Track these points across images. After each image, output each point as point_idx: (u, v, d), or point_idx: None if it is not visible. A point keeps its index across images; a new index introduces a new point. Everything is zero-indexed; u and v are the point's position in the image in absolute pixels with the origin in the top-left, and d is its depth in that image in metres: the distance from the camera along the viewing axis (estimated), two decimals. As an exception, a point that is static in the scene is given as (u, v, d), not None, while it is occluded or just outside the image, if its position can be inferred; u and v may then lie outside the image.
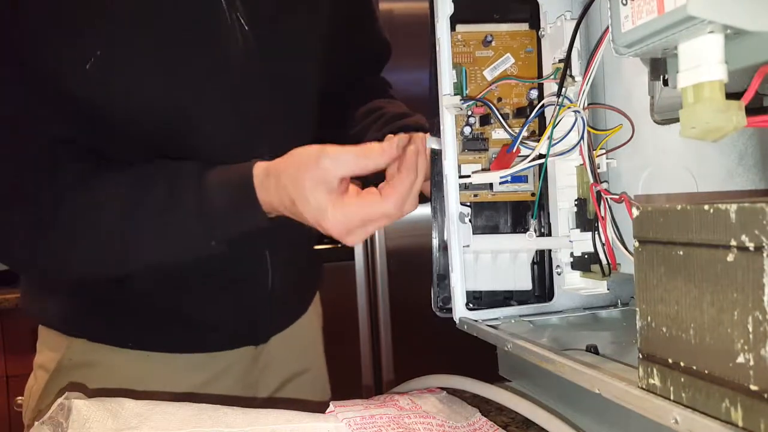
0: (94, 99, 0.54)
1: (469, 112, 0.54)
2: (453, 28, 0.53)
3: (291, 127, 0.65)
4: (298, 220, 0.52)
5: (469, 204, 0.56)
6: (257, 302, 0.69)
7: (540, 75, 0.56)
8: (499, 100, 0.56)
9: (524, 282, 0.56)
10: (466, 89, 0.55)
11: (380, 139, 0.70)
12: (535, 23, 0.56)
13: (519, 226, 0.58)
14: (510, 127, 0.54)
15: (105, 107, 0.55)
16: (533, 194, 0.56)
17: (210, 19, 0.56)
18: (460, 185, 0.54)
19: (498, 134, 0.55)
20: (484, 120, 0.55)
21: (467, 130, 0.55)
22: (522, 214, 0.58)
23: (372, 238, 1.69)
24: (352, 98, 0.77)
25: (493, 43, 0.56)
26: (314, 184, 0.49)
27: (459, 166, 0.54)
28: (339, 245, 0.98)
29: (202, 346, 0.67)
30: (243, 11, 0.58)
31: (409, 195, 0.50)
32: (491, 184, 0.56)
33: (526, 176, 0.55)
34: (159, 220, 0.54)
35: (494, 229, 0.58)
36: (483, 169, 0.55)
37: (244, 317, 0.69)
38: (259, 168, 0.53)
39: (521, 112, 0.56)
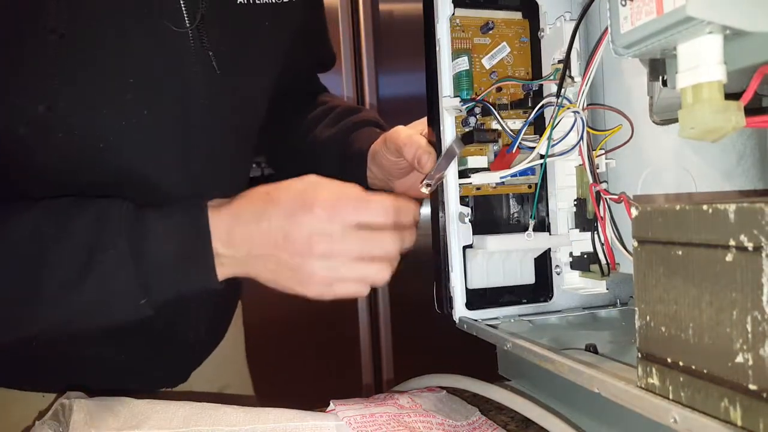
0: (25, 141, 0.46)
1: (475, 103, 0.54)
2: (452, 12, 0.53)
3: (237, 160, 0.61)
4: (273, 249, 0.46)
5: (467, 198, 0.56)
6: (177, 351, 0.64)
7: (535, 67, 0.57)
8: (499, 90, 0.56)
9: (528, 276, 0.56)
10: (472, 76, 0.54)
11: (334, 135, 0.69)
12: (527, 12, 0.56)
13: (523, 219, 0.58)
14: (508, 117, 0.53)
15: (36, 148, 0.47)
16: (530, 186, 0.57)
17: (174, 59, 0.51)
18: (461, 173, 0.54)
19: (497, 125, 0.54)
20: (486, 110, 0.54)
21: (472, 120, 0.54)
22: (525, 206, 0.58)
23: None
24: (298, 100, 0.76)
25: (492, 31, 0.56)
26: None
27: (462, 159, 0.54)
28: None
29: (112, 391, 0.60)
30: (211, 49, 0.52)
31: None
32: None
33: (534, 168, 0.55)
34: (78, 268, 0.44)
35: (497, 223, 0.58)
36: (484, 169, 0.55)
37: (162, 366, 0.63)
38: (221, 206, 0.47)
39: (519, 104, 0.56)
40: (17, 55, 0.44)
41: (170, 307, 0.48)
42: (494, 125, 0.55)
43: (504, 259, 0.55)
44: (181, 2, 0.49)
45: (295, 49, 0.63)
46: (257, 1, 0.56)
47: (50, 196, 0.47)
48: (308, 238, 0.46)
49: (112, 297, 0.45)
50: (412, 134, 0.58)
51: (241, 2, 0.55)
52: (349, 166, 0.68)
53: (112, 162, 0.50)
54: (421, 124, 0.59)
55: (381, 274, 0.48)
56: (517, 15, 0.57)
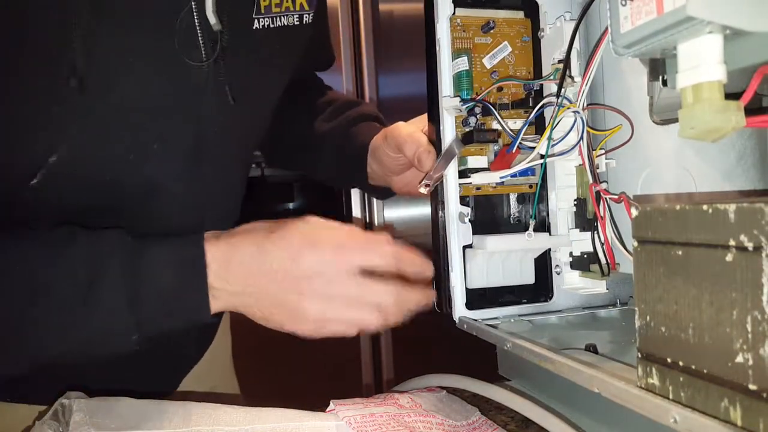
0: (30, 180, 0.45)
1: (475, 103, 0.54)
2: (452, 12, 0.53)
3: (240, 172, 0.61)
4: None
5: (467, 198, 0.56)
6: (170, 366, 0.64)
7: (536, 67, 0.56)
8: (500, 89, 0.56)
9: (528, 276, 0.57)
10: (471, 76, 0.54)
11: (333, 130, 0.69)
12: (529, 12, 0.57)
13: (523, 219, 0.58)
14: (509, 117, 0.53)
15: (41, 184, 0.46)
16: (530, 186, 0.56)
17: (189, 93, 0.51)
18: (460, 173, 0.54)
19: (497, 125, 0.54)
20: (486, 110, 0.54)
21: (472, 120, 0.54)
22: (526, 206, 0.58)
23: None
24: (296, 94, 0.76)
25: (493, 30, 0.55)
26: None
27: (462, 159, 0.54)
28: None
29: (112, 391, 0.56)
30: (227, 82, 0.52)
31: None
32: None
33: (534, 168, 0.55)
34: (71, 300, 0.43)
35: (497, 223, 0.58)
36: (484, 168, 0.55)
37: (153, 380, 0.62)
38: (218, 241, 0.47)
39: (520, 104, 0.56)
40: (35, 102, 0.44)
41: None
42: (494, 125, 0.55)
43: (504, 259, 0.55)
44: (200, 39, 0.49)
45: (301, 61, 0.64)
46: (271, 26, 0.56)
47: (47, 223, 0.46)
48: (309, 277, 0.46)
49: (105, 329, 0.44)
50: (412, 132, 0.58)
51: (256, 27, 0.54)
52: (349, 161, 0.68)
53: (114, 192, 0.50)
54: (422, 121, 0.59)
55: (371, 320, 0.48)
56: (519, 14, 0.57)
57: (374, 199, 1.61)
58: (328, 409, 0.49)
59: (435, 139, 0.54)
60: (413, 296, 0.49)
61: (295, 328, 0.48)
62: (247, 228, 0.49)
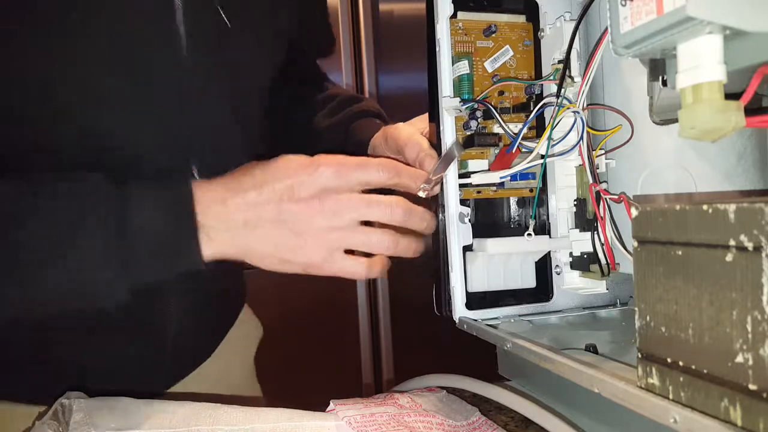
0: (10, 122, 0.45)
1: (476, 105, 0.54)
2: (454, 15, 0.53)
3: (243, 152, 0.59)
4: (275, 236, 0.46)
5: (468, 201, 0.56)
6: (153, 353, 0.59)
7: (538, 71, 0.56)
8: (501, 93, 0.56)
9: (529, 280, 0.56)
10: (473, 80, 0.54)
11: (334, 125, 0.69)
12: (531, 15, 0.56)
13: (523, 223, 0.58)
14: (510, 121, 0.53)
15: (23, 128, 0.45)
16: (531, 190, 0.57)
17: (160, 31, 0.49)
18: (460, 175, 0.54)
19: (498, 128, 0.54)
20: (487, 114, 0.54)
21: (473, 124, 0.54)
22: (526, 210, 0.58)
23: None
24: (297, 86, 0.76)
25: (495, 34, 0.55)
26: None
27: (463, 163, 0.54)
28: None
29: (112, 391, 0.53)
30: (195, 26, 0.50)
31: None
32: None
33: (534, 173, 0.55)
34: (55, 242, 0.41)
35: (498, 227, 0.58)
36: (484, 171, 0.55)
37: (134, 369, 0.59)
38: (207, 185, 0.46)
39: (521, 108, 0.55)
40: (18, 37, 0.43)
41: (150, 305, 0.47)
42: (496, 129, 0.55)
43: (504, 263, 0.55)
44: None
45: (297, 28, 0.63)
46: None
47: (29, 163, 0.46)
48: (316, 193, 0.46)
49: (88, 274, 0.43)
50: (413, 133, 0.57)
51: None
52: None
53: (93, 137, 0.48)
54: (421, 122, 0.59)
55: (384, 238, 0.48)
56: (521, 18, 0.57)
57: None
58: (328, 409, 0.49)
59: (436, 141, 0.54)
60: (417, 215, 0.50)
61: (305, 258, 0.46)
62: (242, 167, 0.48)
